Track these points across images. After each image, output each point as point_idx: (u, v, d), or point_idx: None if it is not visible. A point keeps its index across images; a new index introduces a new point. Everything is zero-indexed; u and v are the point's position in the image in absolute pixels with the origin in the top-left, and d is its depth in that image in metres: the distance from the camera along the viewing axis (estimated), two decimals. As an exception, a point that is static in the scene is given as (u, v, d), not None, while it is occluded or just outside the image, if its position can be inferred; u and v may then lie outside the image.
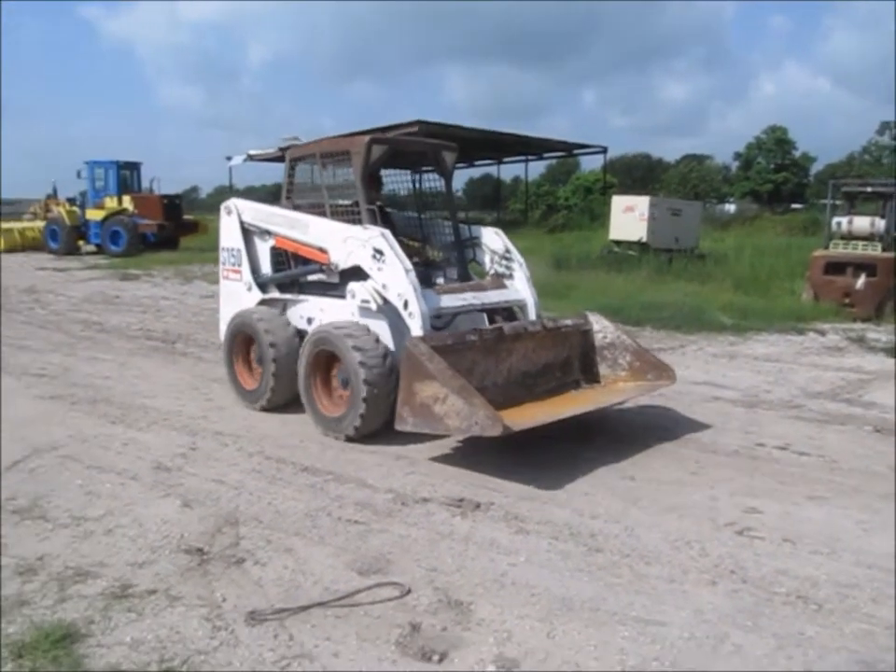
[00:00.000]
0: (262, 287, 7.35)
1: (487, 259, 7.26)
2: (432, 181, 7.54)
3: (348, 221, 6.54)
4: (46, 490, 4.97)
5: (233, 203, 7.62)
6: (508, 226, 37.54)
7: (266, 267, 7.39)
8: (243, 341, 7.23)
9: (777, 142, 64.68)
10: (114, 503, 4.77)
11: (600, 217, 26.69)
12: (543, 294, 13.87)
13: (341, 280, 6.56)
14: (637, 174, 68.28)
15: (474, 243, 7.34)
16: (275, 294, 7.29)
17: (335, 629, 3.35)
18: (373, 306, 6.12)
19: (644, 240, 19.08)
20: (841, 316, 12.36)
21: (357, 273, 6.34)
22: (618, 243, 19.86)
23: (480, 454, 5.72)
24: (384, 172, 7.63)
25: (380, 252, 6.10)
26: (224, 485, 5.08)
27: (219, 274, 7.80)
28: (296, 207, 7.23)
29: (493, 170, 51.90)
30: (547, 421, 5.60)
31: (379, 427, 5.98)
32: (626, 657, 3.14)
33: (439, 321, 6.28)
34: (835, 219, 14.00)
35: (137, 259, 23.40)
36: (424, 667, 3.09)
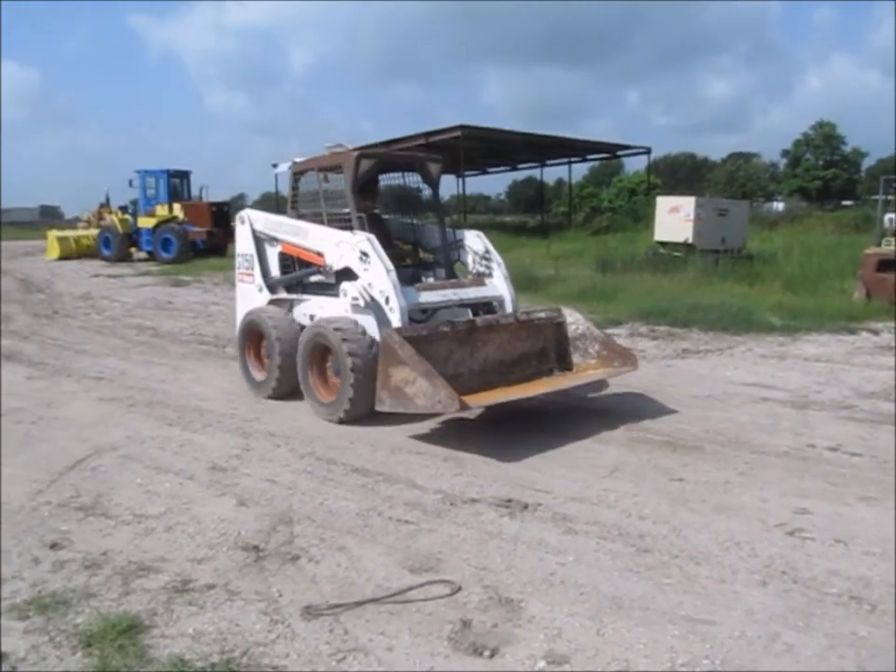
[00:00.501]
0: (271, 288, 8.14)
1: (470, 260, 7.91)
2: (424, 189, 8.24)
3: (343, 228, 7.27)
4: (107, 488, 5.15)
5: (246, 213, 8.49)
6: (552, 229, 37.59)
7: (275, 270, 8.17)
8: (253, 336, 7.96)
9: (825, 138, 63.44)
10: (173, 501, 4.92)
11: (644, 218, 26.49)
12: (589, 297, 14.02)
13: (336, 280, 7.19)
14: (682, 173, 67.65)
15: (459, 245, 8.00)
16: (283, 294, 8.05)
17: (388, 624, 3.43)
18: (361, 303, 6.77)
19: (690, 241, 18.88)
20: (894, 315, 12.12)
21: (349, 274, 7.02)
22: (663, 244, 19.69)
23: (527, 457, 5.78)
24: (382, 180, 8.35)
25: (365, 254, 6.82)
26: (277, 485, 5.21)
27: (236, 278, 8.63)
28: (300, 216, 8.00)
29: (536, 172, 51.77)
30: (502, 400, 6.39)
31: (367, 412, 6.49)
32: (676, 655, 3.16)
33: (423, 315, 7.04)
34: (888, 216, 13.75)
35: (187, 266, 23.90)
36: (475, 662, 3.15)
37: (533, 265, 18.56)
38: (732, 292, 14.24)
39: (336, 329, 6.68)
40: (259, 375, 7.86)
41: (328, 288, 7.38)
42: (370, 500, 4.94)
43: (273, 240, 8.09)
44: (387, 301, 6.62)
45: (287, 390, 7.51)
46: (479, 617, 3.49)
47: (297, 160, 8.80)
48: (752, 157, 73.10)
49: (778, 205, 51.01)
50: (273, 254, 8.15)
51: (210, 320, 13.36)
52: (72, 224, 39.94)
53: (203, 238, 26.92)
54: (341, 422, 6.66)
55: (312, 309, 7.60)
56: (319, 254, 7.38)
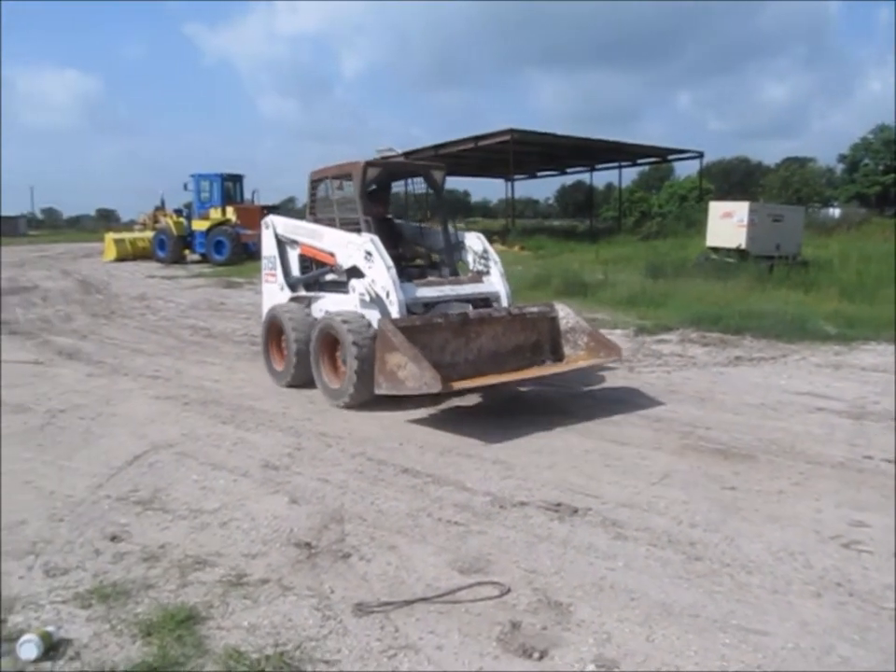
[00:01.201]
0: (292, 286, 8.86)
1: (470, 259, 8.47)
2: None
3: (353, 230, 7.88)
4: (164, 483, 5.29)
5: (270, 219, 9.24)
6: (601, 233, 37.32)
7: (295, 270, 8.94)
8: (275, 331, 8.62)
9: (885, 142, 61.70)
10: (227, 498, 5.03)
11: (696, 223, 26.14)
12: (638, 303, 13.94)
13: (347, 278, 7.79)
14: (735, 178, 66.60)
15: (461, 246, 8.56)
16: (302, 292, 8.73)
17: (438, 624, 3.47)
18: (367, 298, 7.42)
19: (743, 247, 18.59)
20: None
21: (357, 272, 7.62)
22: (715, 250, 19.42)
23: (576, 462, 5.78)
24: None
25: (369, 253, 7.42)
26: (329, 484, 5.29)
27: (262, 278, 9.40)
28: (317, 221, 8.66)
29: (585, 176, 51.45)
30: (484, 384, 7.10)
31: (369, 397, 7.08)
32: (728, 664, 3.14)
33: (423, 309, 7.55)
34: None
35: (239, 268, 24.30)
36: (524, 664, 3.17)
37: (582, 270, 18.45)
38: (786, 299, 13.98)
39: (343, 321, 7.30)
40: (278, 366, 8.54)
41: (340, 286, 8.02)
42: (419, 501, 4.99)
43: (294, 242, 8.84)
44: (388, 295, 7.21)
45: (303, 380, 8.08)
46: (528, 619, 3.51)
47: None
48: (808, 161, 71.59)
49: (835, 211, 49.86)
50: (293, 255, 8.94)
51: (262, 321, 13.54)
52: (128, 227, 40.93)
53: (255, 240, 27.21)
54: (347, 406, 7.27)
55: (327, 305, 8.20)
56: (332, 254, 8.05)
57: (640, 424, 6.78)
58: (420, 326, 6.93)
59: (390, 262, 7.30)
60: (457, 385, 6.64)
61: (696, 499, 5.00)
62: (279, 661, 3.14)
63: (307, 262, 8.80)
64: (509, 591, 3.76)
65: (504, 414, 7.09)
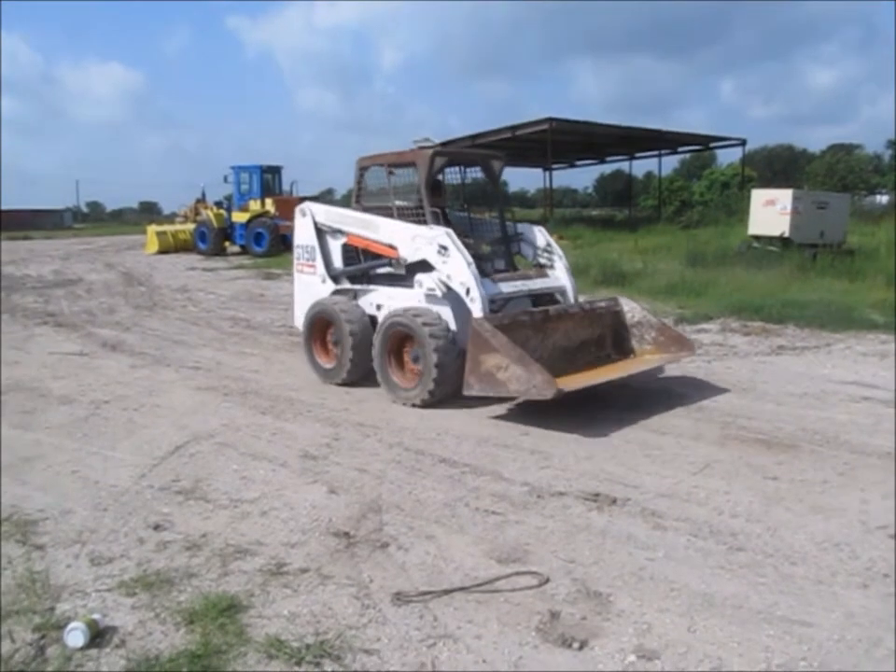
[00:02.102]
0: (335, 278, 8.49)
1: (530, 252, 8.26)
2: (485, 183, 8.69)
3: (413, 222, 7.59)
4: (205, 473, 5.36)
5: (307, 206, 8.78)
6: (640, 222, 36.93)
7: (337, 261, 8.53)
8: (321, 326, 8.29)
9: (935, 127, 60.02)
10: (267, 488, 5.08)
11: (738, 212, 25.72)
12: (678, 292, 13.75)
13: (407, 272, 7.60)
14: (779, 166, 65.35)
15: (520, 238, 8.35)
16: (347, 285, 8.38)
17: (477, 613, 3.47)
18: (438, 293, 7.21)
19: (786, 235, 18.24)
20: None
21: (422, 266, 7.38)
22: (757, 238, 19.07)
23: (614, 452, 5.74)
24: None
25: (444, 248, 7.14)
26: (367, 474, 5.31)
27: (293, 268, 8.99)
28: (365, 210, 8.29)
29: (624, 165, 50.90)
30: (592, 384, 6.77)
31: (447, 395, 6.98)
32: (772, 655, 3.09)
33: (493, 305, 7.16)
34: None
35: (278, 259, 24.47)
36: (564, 654, 3.16)
37: (621, 259, 18.28)
38: (831, 288, 13.69)
39: (419, 319, 7.05)
40: (326, 363, 8.23)
41: (396, 279, 7.82)
42: (457, 491, 4.99)
43: (338, 232, 8.42)
44: (468, 292, 6.92)
45: (358, 376, 7.88)
46: (567, 609, 3.49)
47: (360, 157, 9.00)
48: (854, 148, 69.98)
49: (882, 199, 48.70)
50: (335, 246, 8.49)
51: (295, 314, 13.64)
52: (169, 219, 41.48)
53: (293, 232, 27.47)
54: (423, 405, 7.02)
55: (379, 299, 7.94)
56: (391, 247, 7.71)
57: (680, 414, 6.71)
58: (507, 324, 6.68)
59: (469, 258, 7.03)
60: (568, 386, 6.28)
61: (738, 490, 4.93)
62: (319, 649, 3.17)
63: (352, 253, 8.41)
64: (547, 581, 3.75)
65: (540, 405, 7.04)
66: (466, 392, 6.51)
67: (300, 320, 8.68)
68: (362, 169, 8.44)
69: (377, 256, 8.00)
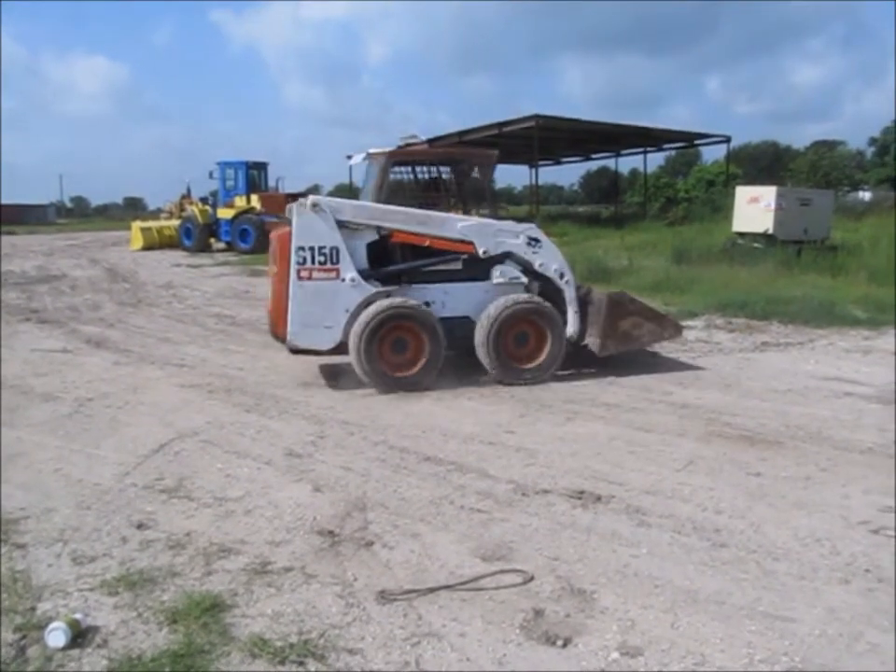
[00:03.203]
0: (383, 279, 7.75)
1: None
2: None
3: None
4: (189, 472, 5.33)
5: (323, 201, 7.68)
6: (626, 219, 37.06)
7: (360, 262, 7.66)
8: (389, 332, 7.50)
9: (917, 125, 60.51)
10: (251, 486, 5.06)
11: (722, 209, 25.84)
12: (664, 289, 13.81)
13: (465, 266, 7.98)
14: (763, 163, 65.65)
15: None
16: (379, 287, 7.66)
17: (461, 611, 3.46)
18: (525, 281, 7.93)
19: (770, 231, 18.34)
20: None
21: (503, 258, 7.91)
22: (742, 235, 19.18)
23: (599, 449, 5.75)
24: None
25: (536, 240, 7.91)
26: (351, 472, 5.30)
27: (291, 277, 7.45)
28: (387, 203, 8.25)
29: (610, 162, 50.98)
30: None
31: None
32: (754, 651, 3.11)
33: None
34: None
35: (264, 256, 24.30)
36: (548, 651, 3.16)
37: (606, 256, 18.32)
38: (814, 284, 13.79)
39: (544, 304, 7.83)
40: (405, 371, 7.57)
41: (443, 274, 8.02)
42: (442, 489, 4.98)
43: (374, 228, 7.73)
44: (562, 276, 7.97)
45: (435, 376, 7.63)
46: (551, 606, 3.50)
47: (371, 151, 8.94)
48: (837, 145, 70.43)
49: (865, 195, 49.07)
50: (359, 245, 7.68)
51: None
52: (154, 215, 41.27)
53: (279, 229, 27.39)
54: (551, 377, 7.80)
55: (430, 296, 7.78)
56: (465, 242, 7.77)
57: (665, 410, 6.73)
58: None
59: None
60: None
61: (722, 486, 4.95)
62: (303, 648, 3.15)
63: (381, 251, 7.81)
64: (532, 578, 3.75)
65: (526, 403, 7.07)
66: (602, 353, 7.84)
67: (308, 334, 7.58)
68: (396, 163, 8.73)
69: (433, 252, 7.84)
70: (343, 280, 7.55)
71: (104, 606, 3.54)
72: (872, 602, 3.49)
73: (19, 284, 17.99)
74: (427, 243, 7.73)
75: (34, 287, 17.44)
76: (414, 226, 7.72)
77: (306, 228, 7.51)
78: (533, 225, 8.11)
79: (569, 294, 7.96)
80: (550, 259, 7.95)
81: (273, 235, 7.97)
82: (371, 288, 7.62)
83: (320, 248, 7.53)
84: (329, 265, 7.54)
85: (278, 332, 7.76)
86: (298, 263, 7.49)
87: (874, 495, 4.77)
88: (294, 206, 7.54)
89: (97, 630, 3.32)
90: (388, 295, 7.63)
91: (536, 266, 7.86)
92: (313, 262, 7.49)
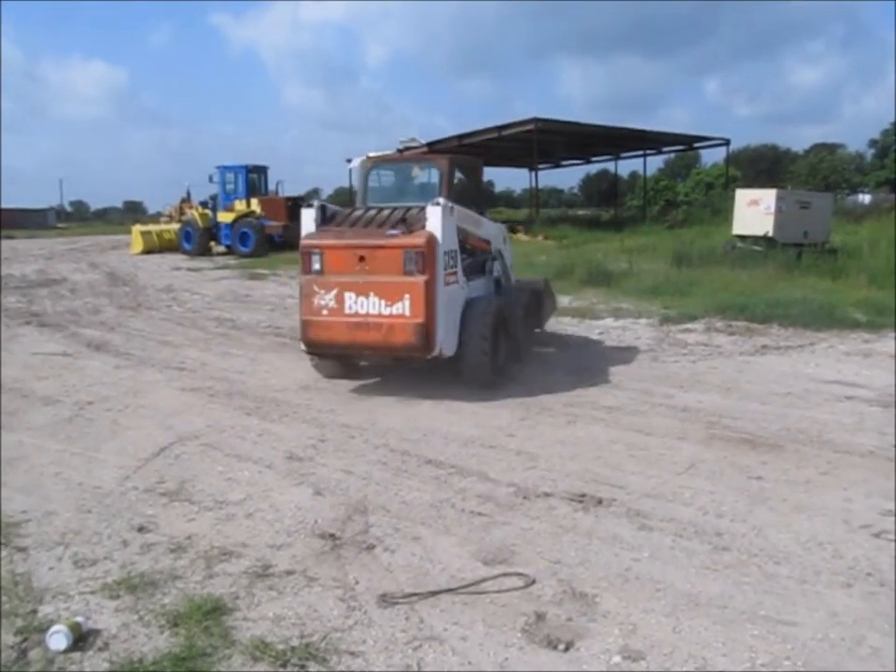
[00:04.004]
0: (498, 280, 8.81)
1: None
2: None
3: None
4: (190, 475, 5.33)
5: (450, 203, 7.35)
6: (626, 222, 37.06)
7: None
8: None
9: (917, 127, 60.44)
10: (252, 489, 5.06)
11: (722, 211, 25.87)
12: (663, 292, 13.81)
13: (473, 262, 8.28)
14: (763, 165, 65.72)
15: None
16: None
17: (463, 615, 3.46)
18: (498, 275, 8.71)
19: (770, 234, 18.36)
20: None
21: (484, 256, 8.61)
22: (742, 238, 19.21)
23: (600, 452, 5.75)
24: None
25: (506, 239, 9.17)
26: (352, 475, 5.30)
27: (437, 284, 7.08)
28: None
29: (610, 165, 51.02)
30: None
31: None
32: (756, 655, 3.11)
33: None
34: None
35: (264, 260, 24.42)
36: (550, 655, 3.16)
37: (606, 259, 18.33)
38: (814, 287, 13.79)
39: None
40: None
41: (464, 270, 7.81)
42: (443, 492, 4.98)
43: (464, 233, 7.82)
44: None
45: None
46: (553, 610, 3.49)
47: (371, 154, 8.97)
48: (837, 148, 70.45)
49: (865, 198, 49.07)
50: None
51: (286, 313, 13.59)
52: (154, 219, 41.29)
53: (279, 232, 27.38)
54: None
55: (475, 291, 8.05)
56: (487, 241, 8.63)
57: (665, 414, 6.73)
58: None
59: None
60: None
61: (722, 489, 4.95)
62: (305, 651, 3.15)
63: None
64: (533, 582, 3.75)
65: (527, 406, 7.07)
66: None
67: (449, 342, 7.30)
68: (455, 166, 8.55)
69: (472, 252, 8.37)
70: (460, 284, 7.60)
71: (105, 609, 3.54)
72: (874, 606, 3.49)
73: (19, 288, 17.98)
74: (469, 243, 8.18)
75: (34, 290, 17.44)
76: (473, 227, 8.12)
77: (449, 232, 7.32)
78: (504, 226, 9.23)
79: (509, 286, 8.81)
80: (509, 256, 9.07)
81: (406, 241, 7.11)
82: (469, 293, 7.80)
83: (451, 252, 7.43)
84: (454, 269, 7.50)
85: (424, 343, 7.08)
86: (446, 267, 7.27)
87: (875, 498, 4.76)
88: (439, 210, 7.15)
89: (98, 633, 3.32)
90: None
91: (505, 260, 8.85)
92: (449, 267, 7.36)
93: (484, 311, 7.57)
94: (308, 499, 4.88)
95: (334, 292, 7.17)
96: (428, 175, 8.50)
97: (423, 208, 7.30)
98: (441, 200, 7.25)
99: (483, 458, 5.64)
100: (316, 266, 7.28)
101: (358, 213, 7.83)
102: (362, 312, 7.09)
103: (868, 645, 3.17)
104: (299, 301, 7.49)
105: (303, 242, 7.46)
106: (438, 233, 7.11)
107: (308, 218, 7.60)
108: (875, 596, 3.57)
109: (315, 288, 7.23)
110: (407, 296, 6.99)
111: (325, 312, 7.22)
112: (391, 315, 7.04)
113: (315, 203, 7.91)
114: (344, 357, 7.96)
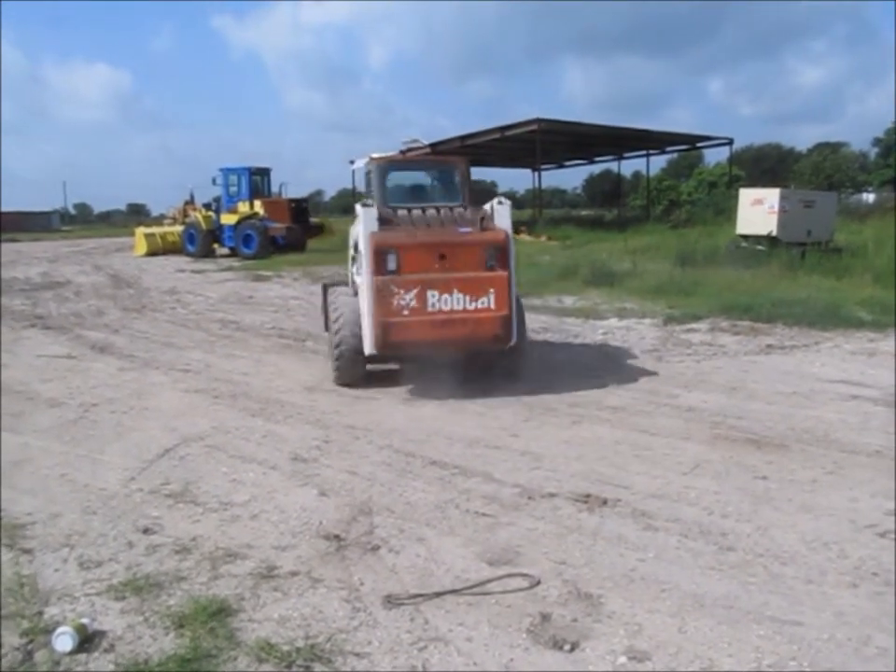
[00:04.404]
0: None
1: None
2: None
3: None
4: (195, 476, 5.33)
5: (364, 205, 7.54)
6: (629, 222, 37.04)
7: None
8: None
9: (922, 125, 60.23)
10: (257, 490, 5.06)
11: (725, 211, 25.83)
12: (667, 292, 13.78)
13: None
14: (766, 165, 65.67)
15: None
16: None
17: (468, 615, 3.46)
18: None
19: (774, 234, 18.34)
20: None
21: None
22: (745, 237, 19.17)
23: (605, 453, 5.74)
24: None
25: None
26: (357, 477, 5.30)
27: (513, 277, 7.41)
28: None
29: (613, 165, 51.04)
30: None
31: None
32: (762, 656, 3.10)
33: None
34: None
35: (268, 261, 24.45)
36: (555, 656, 3.16)
37: (610, 259, 18.32)
38: (819, 286, 13.77)
39: None
40: None
41: None
42: (447, 493, 4.98)
43: None
44: None
45: None
46: (558, 611, 3.49)
47: (374, 155, 8.93)
48: (841, 146, 70.34)
49: (869, 196, 48.97)
50: None
51: (290, 314, 13.63)
52: (158, 221, 41.37)
53: (283, 234, 27.45)
54: None
55: None
56: None
57: (670, 414, 6.72)
58: None
59: None
60: None
61: (728, 490, 4.94)
62: (310, 653, 3.15)
63: None
64: (538, 583, 3.75)
65: (531, 406, 7.06)
66: None
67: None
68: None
69: None
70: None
71: (110, 610, 3.54)
72: (880, 606, 3.48)
73: (23, 290, 18.02)
74: None
75: (38, 293, 17.48)
76: None
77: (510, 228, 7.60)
78: None
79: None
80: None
81: (486, 238, 7.40)
82: None
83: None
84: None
85: (507, 334, 7.31)
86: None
87: (881, 498, 4.75)
88: (507, 208, 7.56)
89: (104, 635, 3.33)
90: None
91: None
92: None
93: (520, 303, 7.95)
94: (313, 500, 4.88)
95: (415, 291, 7.08)
96: (450, 176, 8.64)
97: (479, 207, 7.74)
98: (504, 199, 7.57)
99: (488, 459, 5.63)
100: (392, 266, 7.15)
101: (403, 212, 7.82)
102: (446, 309, 7.10)
103: (874, 645, 3.16)
104: (370, 304, 7.16)
105: (376, 241, 7.20)
106: (510, 230, 7.49)
107: (370, 217, 7.36)
108: (882, 596, 3.56)
109: (394, 289, 7.07)
110: (492, 290, 7.16)
111: (406, 312, 7.08)
112: (477, 310, 7.15)
113: (369, 202, 7.78)
114: (418, 357, 7.80)
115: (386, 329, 7.09)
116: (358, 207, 7.57)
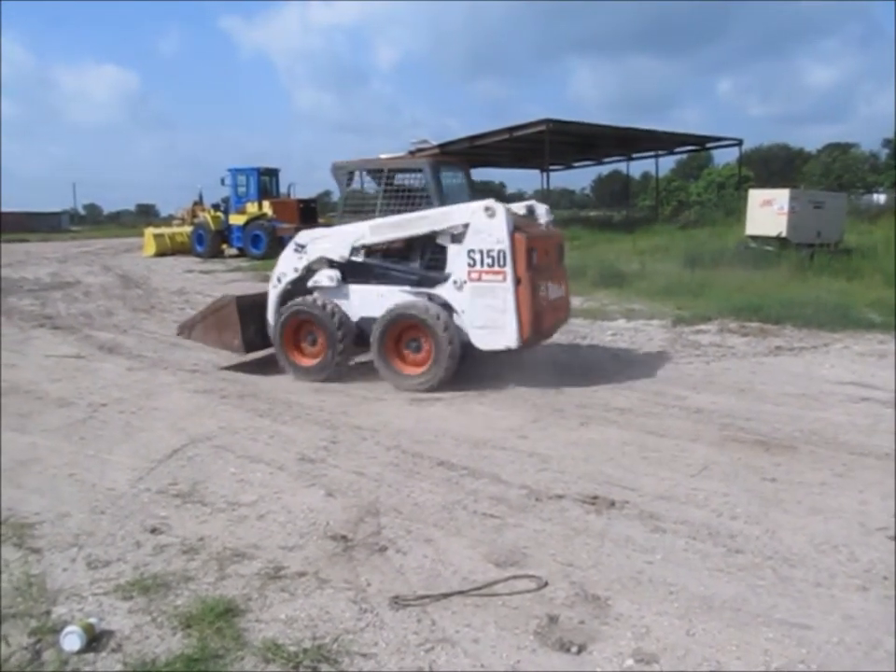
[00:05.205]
0: None
1: None
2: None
3: None
4: (203, 477, 5.34)
5: (500, 204, 7.65)
6: (638, 223, 36.94)
7: None
8: None
9: (932, 126, 59.98)
10: (264, 491, 5.07)
11: (735, 212, 25.74)
12: (676, 293, 13.72)
13: None
14: (775, 166, 65.41)
15: None
16: None
17: (475, 617, 3.45)
18: None
19: (783, 235, 18.27)
20: None
21: None
22: (755, 238, 19.11)
23: (612, 454, 5.73)
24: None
25: None
26: (364, 477, 5.29)
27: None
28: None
29: (621, 166, 50.87)
30: None
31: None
32: (771, 659, 3.09)
33: None
34: None
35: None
36: (562, 658, 3.15)
37: (618, 260, 18.28)
38: (828, 287, 13.70)
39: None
40: None
41: None
42: (455, 494, 4.97)
43: None
44: None
45: None
46: (566, 613, 3.48)
47: (382, 156, 8.94)
48: (850, 147, 70.03)
49: (879, 197, 48.71)
50: None
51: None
52: (167, 222, 41.49)
53: (291, 234, 27.39)
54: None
55: None
56: None
57: (678, 415, 6.70)
58: None
59: None
60: None
61: (736, 491, 4.92)
62: (317, 653, 3.15)
63: None
64: (546, 584, 3.74)
65: (539, 407, 7.05)
66: None
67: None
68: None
69: None
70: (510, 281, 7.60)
71: (118, 610, 3.55)
72: (890, 609, 3.45)
73: (32, 290, 18.09)
74: None
75: (47, 293, 17.54)
76: None
77: (489, 233, 7.61)
78: None
79: None
80: None
81: (559, 234, 8.64)
82: None
83: (488, 251, 7.61)
84: (498, 268, 7.63)
85: (530, 335, 7.56)
86: (471, 265, 7.74)
87: (891, 500, 4.72)
88: (546, 208, 8.53)
89: (112, 634, 3.34)
90: None
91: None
92: (482, 266, 7.63)
93: None
94: (320, 501, 4.88)
95: (545, 283, 7.86)
96: (467, 177, 9.19)
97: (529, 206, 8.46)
98: (494, 201, 7.72)
99: (495, 460, 5.62)
100: (535, 261, 7.61)
101: None
102: (552, 297, 8.07)
103: (884, 649, 3.14)
104: (525, 297, 7.41)
105: (527, 238, 7.48)
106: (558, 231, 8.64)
107: (509, 216, 7.53)
108: (892, 600, 3.53)
109: (538, 281, 7.66)
110: (562, 279, 8.46)
111: (544, 303, 7.84)
112: (561, 297, 8.41)
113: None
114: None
115: (538, 317, 7.64)
116: (495, 203, 7.59)
